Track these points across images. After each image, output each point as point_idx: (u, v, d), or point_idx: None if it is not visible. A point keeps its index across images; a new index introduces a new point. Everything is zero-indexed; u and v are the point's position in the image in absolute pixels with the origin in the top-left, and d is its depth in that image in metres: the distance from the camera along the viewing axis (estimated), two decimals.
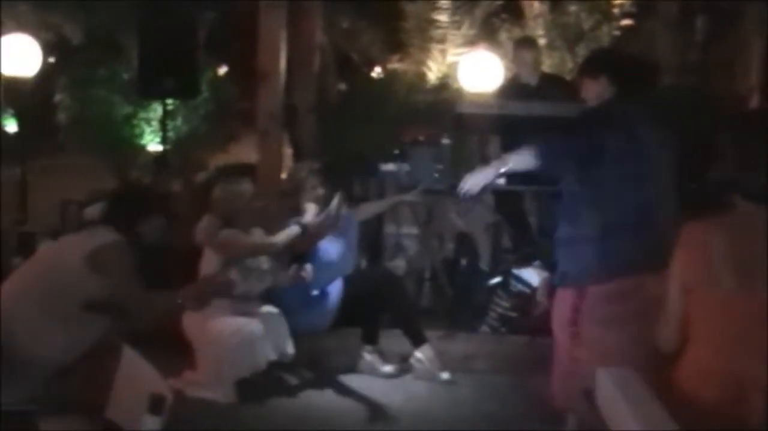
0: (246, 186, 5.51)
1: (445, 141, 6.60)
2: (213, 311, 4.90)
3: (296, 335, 5.48)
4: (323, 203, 5.66)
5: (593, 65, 4.36)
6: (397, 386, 5.59)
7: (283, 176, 6.58)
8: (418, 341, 5.72)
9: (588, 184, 3.98)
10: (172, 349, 5.21)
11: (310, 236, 5.58)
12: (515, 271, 6.25)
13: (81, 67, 8.82)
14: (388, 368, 5.73)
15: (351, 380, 5.63)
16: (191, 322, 5.24)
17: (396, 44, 9.35)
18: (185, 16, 7.29)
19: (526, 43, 7.36)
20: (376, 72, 10.41)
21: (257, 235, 5.52)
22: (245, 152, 8.79)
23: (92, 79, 8.75)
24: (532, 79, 6.94)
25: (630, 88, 4.21)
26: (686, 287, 2.87)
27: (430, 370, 5.65)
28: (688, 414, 2.65)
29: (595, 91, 4.23)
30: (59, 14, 9.19)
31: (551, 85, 6.89)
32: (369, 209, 6.35)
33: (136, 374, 2.83)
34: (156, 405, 2.61)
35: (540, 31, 8.62)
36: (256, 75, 6.52)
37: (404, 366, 5.75)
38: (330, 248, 5.74)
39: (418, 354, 5.70)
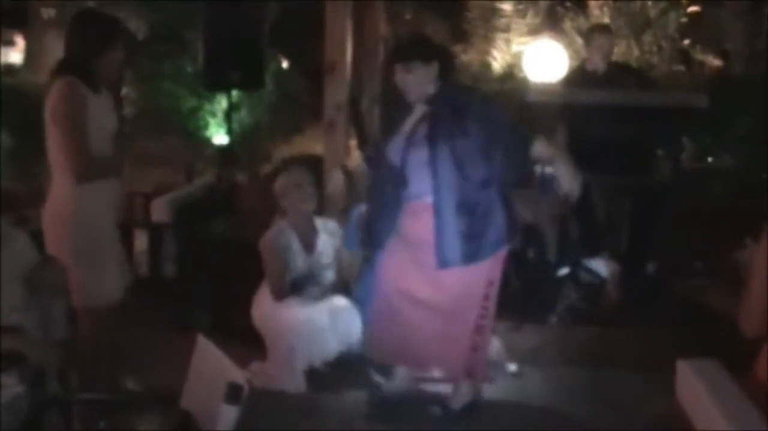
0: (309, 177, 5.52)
1: None
2: (286, 302, 4.92)
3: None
4: None
5: (427, 50, 4.69)
6: None
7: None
8: None
9: None
10: (240, 339, 5.27)
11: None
12: (584, 261, 6.20)
13: (147, 61, 8.90)
14: None
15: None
16: (261, 312, 5.28)
17: (459, 34, 9.30)
18: (251, 9, 7.32)
19: (603, 29, 7.26)
20: None
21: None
22: (310, 143, 8.83)
23: (158, 73, 8.83)
24: (600, 67, 6.85)
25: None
26: None
27: (498, 362, 5.60)
28: None
29: (430, 76, 4.56)
30: (125, 10, 9.29)
31: (620, 74, 6.81)
32: None
33: (211, 363, 2.84)
34: (233, 394, 2.62)
35: (605, 19, 8.51)
36: (320, 67, 6.53)
37: None
38: None
39: None
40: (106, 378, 4.45)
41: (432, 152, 4.52)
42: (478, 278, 4.70)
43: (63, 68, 4.41)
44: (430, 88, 4.63)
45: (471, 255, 4.59)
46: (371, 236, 4.91)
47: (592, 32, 7.15)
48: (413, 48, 4.77)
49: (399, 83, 4.67)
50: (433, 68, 4.62)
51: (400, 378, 5.14)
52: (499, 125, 4.60)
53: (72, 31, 4.53)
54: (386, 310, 4.82)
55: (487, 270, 4.71)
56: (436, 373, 5.22)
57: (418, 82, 4.62)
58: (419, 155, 4.55)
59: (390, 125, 4.81)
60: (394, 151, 4.67)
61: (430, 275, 4.66)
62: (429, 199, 4.57)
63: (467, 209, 4.57)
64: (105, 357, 4.51)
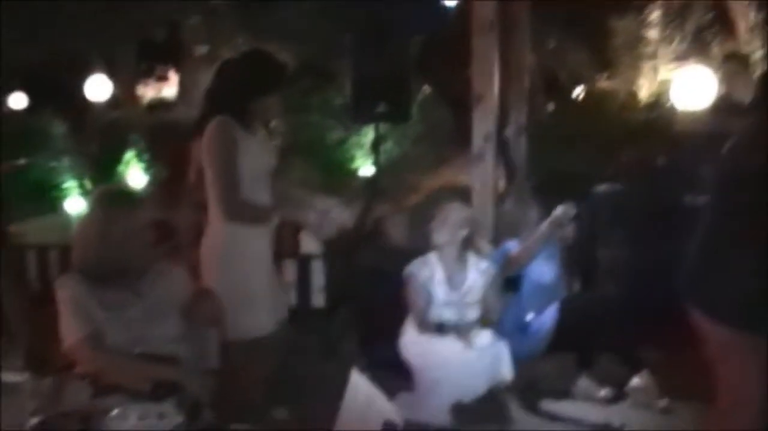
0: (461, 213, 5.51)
1: (661, 161, 6.45)
2: (433, 334, 4.93)
3: (512, 360, 5.43)
4: (536, 223, 5.61)
5: None
6: (613, 413, 5.43)
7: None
8: (635, 367, 5.57)
9: None
10: (388, 369, 5.29)
11: (521, 255, 5.55)
12: None
13: (295, 94, 9.08)
14: (603, 392, 5.60)
15: (566, 406, 5.54)
16: (411, 344, 5.30)
17: (604, 62, 9.20)
18: (397, 41, 7.39)
19: (734, 58, 7.08)
20: (580, 92, 10.28)
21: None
22: (456, 174, 8.84)
23: (306, 106, 9.01)
24: (745, 97, 6.67)
25: None
26: None
27: (648, 397, 5.49)
28: None
29: None
30: (274, 44, 9.51)
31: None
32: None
33: (364, 399, 2.86)
34: None
35: (756, 44, 8.28)
36: (465, 97, 6.54)
37: (621, 392, 5.61)
38: (544, 271, 5.69)
39: (636, 380, 5.55)
40: (258, 408, 4.53)
41: None
42: None
43: (218, 107, 4.50)
44: None
45: None
46: None
47: (724, 63, 6.98)
48: None
49: None
50: None
51: None
52: None
53: (236, 71, 4.57)
54: None
55: None
56: None
57: None
58: None
59: None
60: None
61: None
62: None
63: None
64: (256, 388, 4.59)
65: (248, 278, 4.44)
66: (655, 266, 6.88)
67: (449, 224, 5.40)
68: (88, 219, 3.78)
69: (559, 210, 5.55)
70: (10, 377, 2.72)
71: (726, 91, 7.05)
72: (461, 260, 5.47)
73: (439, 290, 5.39)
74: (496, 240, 5.91)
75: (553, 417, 5.35)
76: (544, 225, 5.54)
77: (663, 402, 5.45)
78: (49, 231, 9.11)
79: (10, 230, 7.89)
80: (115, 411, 2.92)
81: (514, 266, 5.60)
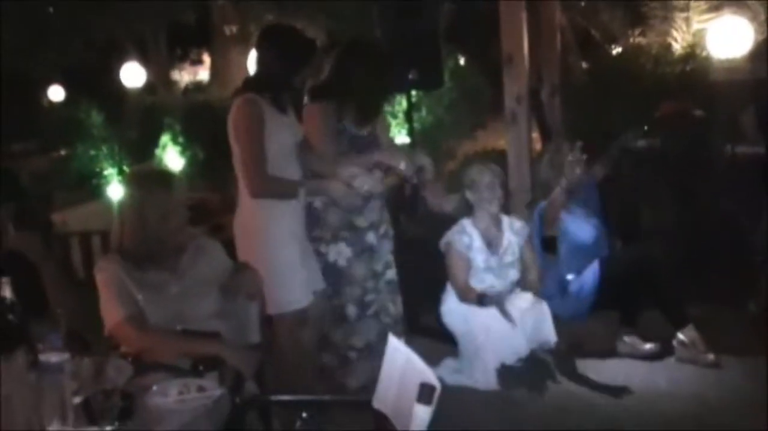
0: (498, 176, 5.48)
1: (698, 113, 6.37)
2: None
3: (555, 320, 5.40)
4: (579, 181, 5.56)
5: None
6: (659, 369, 5.42)
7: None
8: (680, 322, 5.52)
9: None
10: (430, 336, 5.31)
11: (551, 206, 5.51)
12: None
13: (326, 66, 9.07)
14: (648, 346, 5.57)
15: (612, 364, 5.52)
16: (452, 312, 5.31)
17: (637, 18, 9.10)
18: (426, 8, 7.34)
19: None
20: (615, 48, 10.18)
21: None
22: (492, 138, 8.80)
23: None
24: None
25: None
26: None
27: (694, 352, 5.44)
28: None
29: None
30: (303, 18, 9.52)
31: None
32: None
33: (403, 363, 2.86)
34: (426, 394, 2.62)
35: None
36: (498, 61, 6.49)
37: (667, 347, 5.56)
38: (582, 230, 5.66)
39: (681, 335, 5.50)
40: (301, 379, 4.57)
41: None
42: None
43: (247, 86, 4.54)
44: None
45: None
46: None
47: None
48: None
49: None
50: None
51: None
52: None
53: (264, 49, 4.59)
54: None
55: None
56: None
57: None
58: None
59: None
60: None
61: None
62: None
63: None
64: (298, 359, 4.63)
65: (281, 252, 4.48)
66: (699, 219, 6.85)
67: (483, 186, 5.37)
68: (124, 201, 3.80)
69: (570, 156, 5.48)
70: (52, 358, 2.75)
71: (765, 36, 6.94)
72: (496, 222, 5.45)
73: (479, 257, 5.37)
74: (534, 202, 5.86)
75: (600, 377, 5.32)
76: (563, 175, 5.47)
77: (710, 357, 5.41)
78: (91, 218, 9.22)
79: (54, 217, 7.99)
80: (155, 387, 2.95)
81: (548, 223, 5.57)
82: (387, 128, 5.21)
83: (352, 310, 4.84)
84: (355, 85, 4.68)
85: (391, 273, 5.04)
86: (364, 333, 4.88)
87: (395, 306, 5.03)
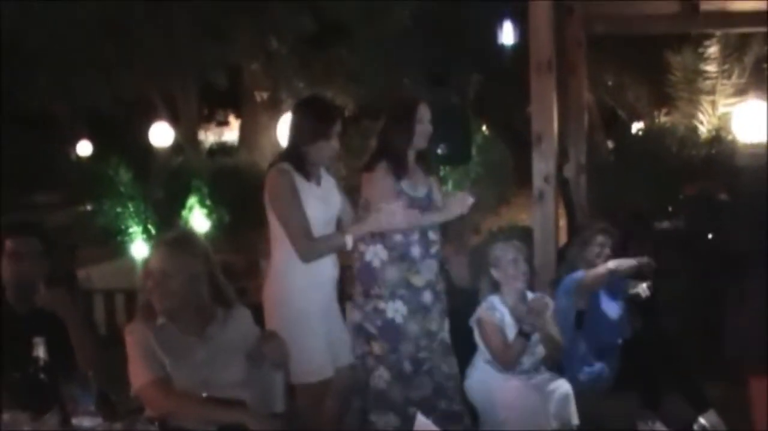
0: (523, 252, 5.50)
1: (723, 196, 6.40)
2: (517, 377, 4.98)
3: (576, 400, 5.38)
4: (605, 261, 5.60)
5: None
6: None
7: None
8: (700, 406, 5.49)
9: None
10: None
11: (586, 285, 5.54)
12: None
13: (355, 137, 9.17)
14: None
15: None
16: (476, 386, 5.29)
17: (663, 98, 9.19)
18: (456, 82, 7.45)
19: None
20: (639, 127, 10.24)
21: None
22: (517, 213, 8.83)
23: (367, 148, 9.06)
24: None
25: None
26: None
27: None
28: None
29: None
30: (333, 89, 9.64)
31: None
32: None
33: None
34: None
35: None
36: (524, 135, 6.54)
37: None
38: (611, 307, 5.67)
39: (702, 420, 5.47)
40: None
41: None
42: None
43: (280, 156, 4.65)
44: None
45: None
46: None
47: None
48: None
49: None
50: None
51: None
52: None
53: (294, 118, 4.72)
54: None
55: None
56: None
57: None
58: None
59: None
60: None
61: None
62: None
63: None
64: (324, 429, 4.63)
65: (310, 322, 4.51)
66: (718, 303, 6.84)
67: (507, 263, 5.39)
68: (154, 265, 3.83)
69: (638, 288, 5.60)
70: (85, 422, 2.78)
71: None
72: (523, 299, 5.45)
73: (510, 333, 5.34)
74: (557, 280, 5.88)
75: None
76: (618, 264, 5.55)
77: None
78: (115, 275, 9.28)
79: (78, 274, 8.05)
80: None
81: (581, 297, 5.60)
82: (440, 190, 5.29)
83: (407, 366, 4.86)
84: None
85: (444, 335, 5.07)
86: (420, 388, 4.89)
87: (449, 368, 5.06)
